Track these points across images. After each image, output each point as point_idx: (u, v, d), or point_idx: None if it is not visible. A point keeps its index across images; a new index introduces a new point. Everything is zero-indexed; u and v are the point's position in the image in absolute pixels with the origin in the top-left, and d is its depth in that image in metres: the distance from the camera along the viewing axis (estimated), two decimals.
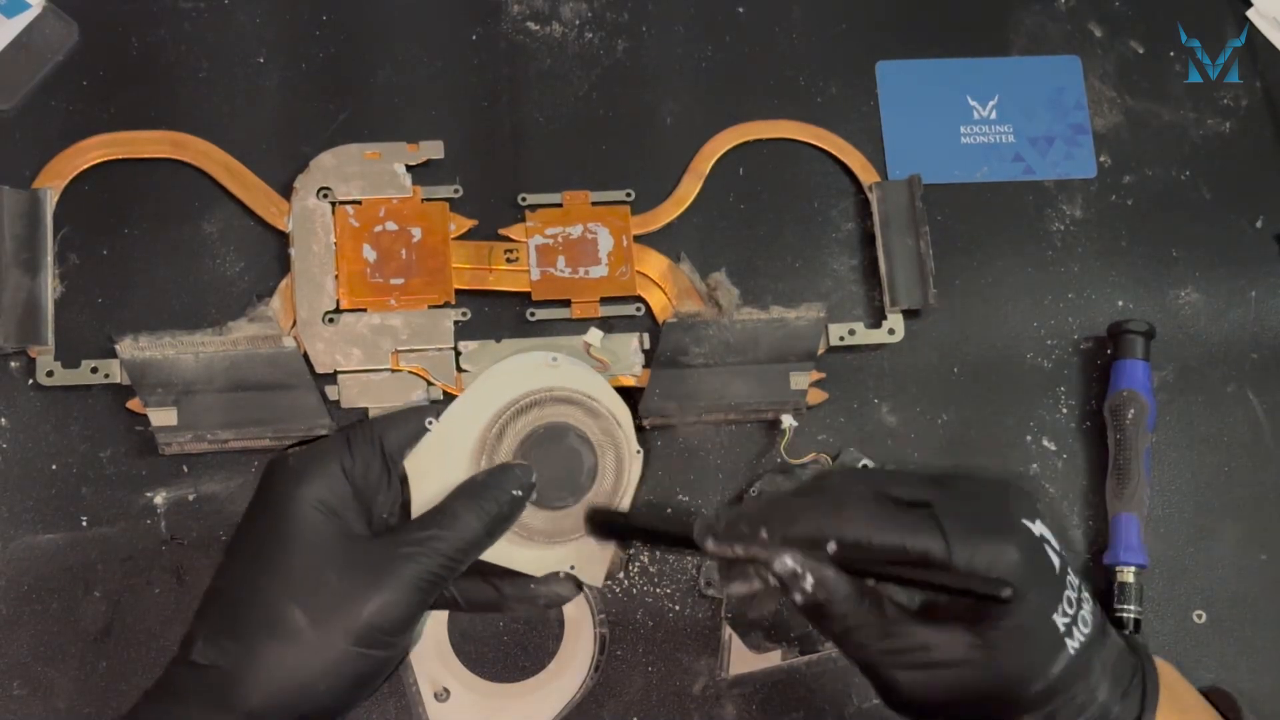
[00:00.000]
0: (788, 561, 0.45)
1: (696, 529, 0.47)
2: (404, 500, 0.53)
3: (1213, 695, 0.52)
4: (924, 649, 0.45)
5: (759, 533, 0.46)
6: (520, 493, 0.52)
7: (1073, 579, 0.46)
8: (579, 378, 0.54)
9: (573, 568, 0.54)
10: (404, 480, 0.52)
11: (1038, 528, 0.46)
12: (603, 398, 0.54)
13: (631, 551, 0.63)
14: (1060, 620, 0.45)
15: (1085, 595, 0.47)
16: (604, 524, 0.56)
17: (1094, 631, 0.46)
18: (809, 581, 0.45)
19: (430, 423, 0.52)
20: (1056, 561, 0.46)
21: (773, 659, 0.63)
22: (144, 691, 0.47)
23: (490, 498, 0.51)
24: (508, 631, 0.63)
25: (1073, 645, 0.45)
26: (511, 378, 0.54)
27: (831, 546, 0.45)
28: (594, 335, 0.62)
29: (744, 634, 0.62)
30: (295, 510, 0.48)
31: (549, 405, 0.53)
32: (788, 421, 0.64)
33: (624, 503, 0.56)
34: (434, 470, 0.52)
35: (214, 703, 0.45)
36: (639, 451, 0.55)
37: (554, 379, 0.54)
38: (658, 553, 0.64)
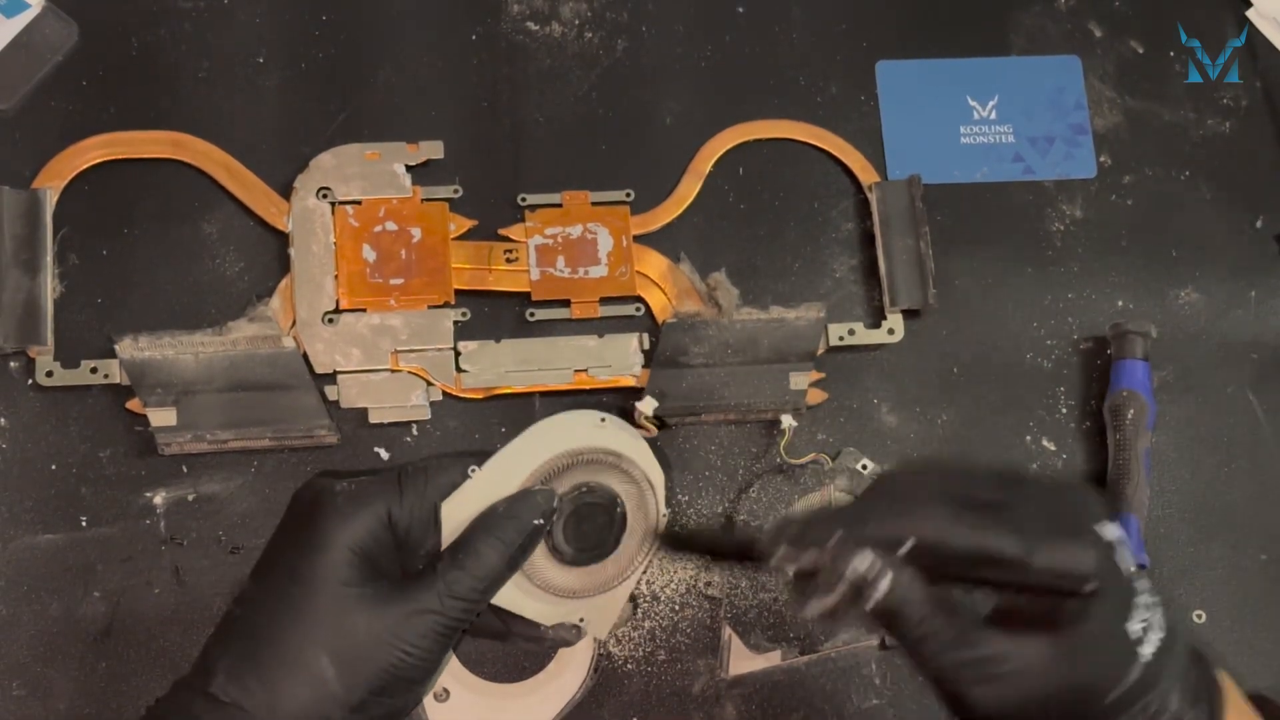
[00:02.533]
0: (863, 563, 0.43)
1: (766, 537, 0.46)
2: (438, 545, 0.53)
3: (1255, 700, 0.51)
4: (999, 659, 0.44)
5: (831, 534, 0.44)
6: (541, 520, 0.51)
7: (1144, 584, 0.45)
8: (624, 441, 0.54)
9: (582, 620, 0.54)
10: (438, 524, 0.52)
11: (1108, 532, 0.45)
12: (644, 464, 0.55)
13: (638, 613, 0.64)
14: (1134, 627, 0.44)
15: (1157, 601, 0.45)
16: (678, 539, 0.56)
17: (1166, 638, 0.45)
18: (884, 584, 0.43)
19: (472, 470, 0.52)
20: (1128, 567, 0.45)
21: (772, 659, 0.63)
22: (149, 711, 0.46)
23: (511, 528, 0.50)
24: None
25: (1146, 653, 0.44)
26: (558, 433, 0.53)
27: (907, 547, 0.44)
28: (647, 404, 0.63)
29: (744, 633, 0.62)
30: (334, 555, 0.47)
31: (591, 465, 0.53)
32: (787, 422, 0.64)
33: (637, 571, 0.56)
34: (469, 518, 0.52)
35: None
36: (665, 515, 0.55)
37: (600, 439, 0.54)
38: (677, 559, 0.64)
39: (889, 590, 0.43)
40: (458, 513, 0.50)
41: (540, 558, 0.52)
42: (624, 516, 0.53)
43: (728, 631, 0.63)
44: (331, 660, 0.45)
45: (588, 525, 0.53)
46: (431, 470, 0.50)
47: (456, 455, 0.51)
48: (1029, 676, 0.44)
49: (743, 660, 0.63)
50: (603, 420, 0.53)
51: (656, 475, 0.54)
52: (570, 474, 0.52)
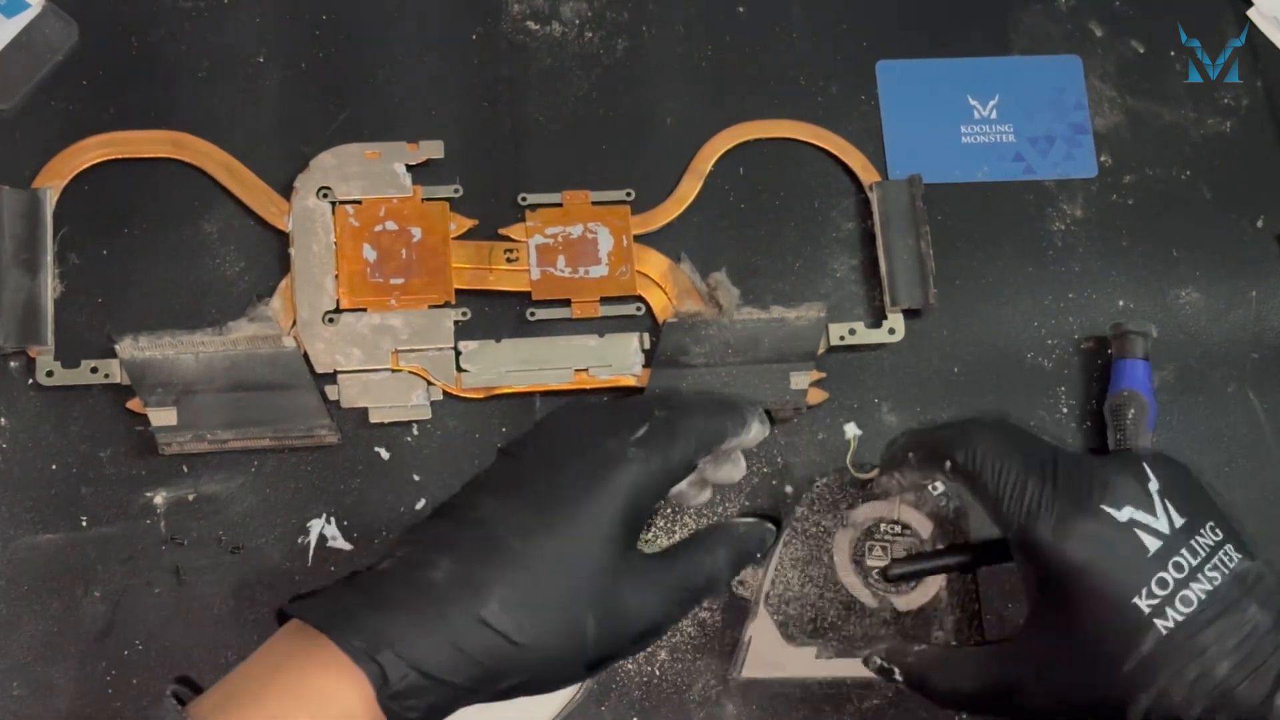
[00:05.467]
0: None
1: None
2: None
3: None
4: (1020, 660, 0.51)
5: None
6: (760, 554, 0.53)
7: (1183, 557, 0.49)
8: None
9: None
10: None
11: (1125, 513, 0.49)
12: None
13: None
14: (1145, 603, 0.48)
15: (1203, 573, 0.49)
16: (903, 573, 0.61)
17: (1201, 609, 0.48)
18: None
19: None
20: (1154, 543, 0.49)
21: (792, 667, 0.62)
22: (381, 595, 0.44)
23: (741, 552, 0.52)
24: None
25: (1165, 624, 0.47)
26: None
27: (948, 464, 0.53)
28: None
29: (783, 624, 0.62)
30: (618, 515, 0.46)
31: None
32: (851, 431, 0.64)
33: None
34: None
35: (488, 666, 0.44)
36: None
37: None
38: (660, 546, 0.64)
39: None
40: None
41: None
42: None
43: (748, 633, 0.63)
44: (595, 620, 0.45)
45: None
46: (697, 431, 0.50)
47: (709, 405, 0.51)
48: (1038, 665, 0.51)
49: (759, 666, 0.62)
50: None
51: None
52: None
